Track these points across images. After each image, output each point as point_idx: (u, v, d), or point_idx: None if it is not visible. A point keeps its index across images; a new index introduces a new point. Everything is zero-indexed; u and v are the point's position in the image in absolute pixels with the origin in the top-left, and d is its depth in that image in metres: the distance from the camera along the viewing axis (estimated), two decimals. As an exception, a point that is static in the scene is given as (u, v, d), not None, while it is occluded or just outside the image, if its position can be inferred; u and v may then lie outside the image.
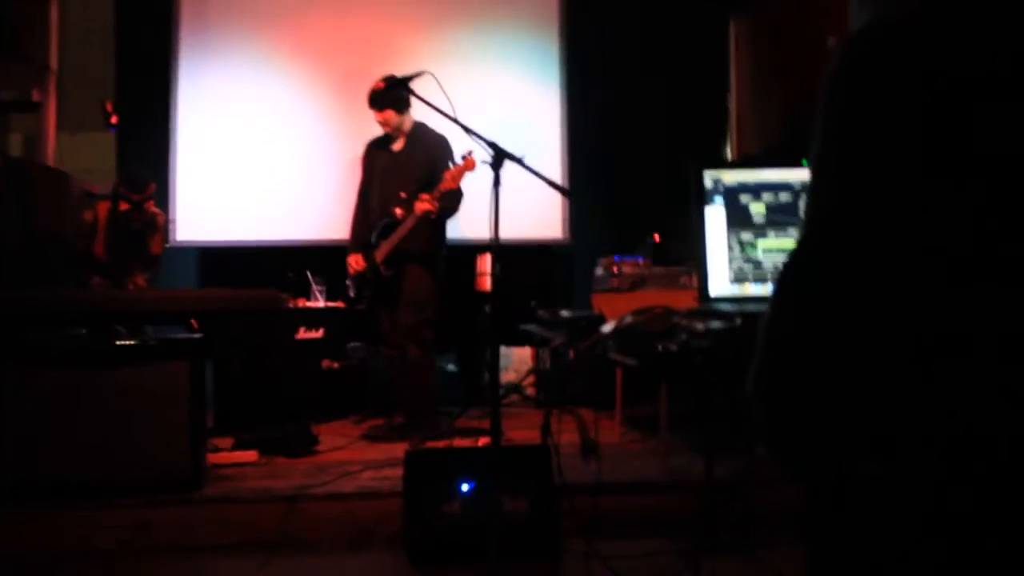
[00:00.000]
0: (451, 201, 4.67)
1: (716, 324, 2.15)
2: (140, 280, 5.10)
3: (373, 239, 4.79)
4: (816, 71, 5.07)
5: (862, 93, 0.90)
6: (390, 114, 4.80)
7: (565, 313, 4.02)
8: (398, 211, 4.69)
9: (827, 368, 0.88)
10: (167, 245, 5.86)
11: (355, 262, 4.85)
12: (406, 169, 4.78)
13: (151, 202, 5.11)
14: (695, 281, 2.62)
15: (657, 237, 5.32)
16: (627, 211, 6.31)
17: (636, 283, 4.80)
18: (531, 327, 4.79)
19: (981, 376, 0.80)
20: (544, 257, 6.40)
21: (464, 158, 4.51)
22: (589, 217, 6.44)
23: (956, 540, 0.78)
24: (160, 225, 5.28)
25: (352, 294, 4.90)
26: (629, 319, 2.43)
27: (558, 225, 6.49)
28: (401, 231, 4.65)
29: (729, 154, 6.80)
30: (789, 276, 0.94)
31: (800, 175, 2.47)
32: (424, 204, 4.56)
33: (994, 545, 0.76)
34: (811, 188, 0.95)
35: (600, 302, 4.95)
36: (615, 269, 5.03)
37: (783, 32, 6.18)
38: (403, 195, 4.70)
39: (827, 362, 0.88)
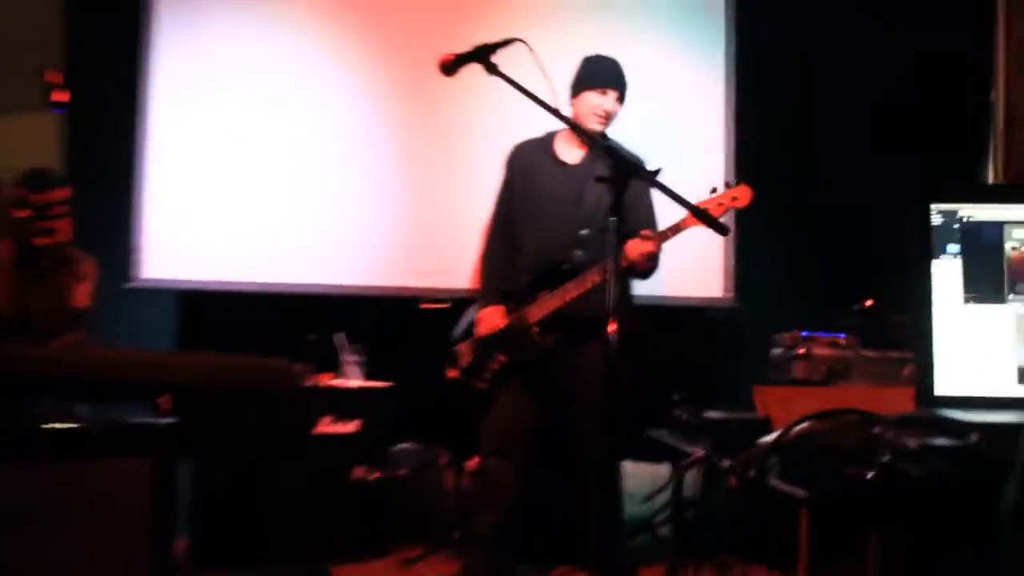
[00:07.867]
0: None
1: (939, 441, 1.63)
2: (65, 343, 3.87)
3: (525, 289, 3.47)
4: None
5: None
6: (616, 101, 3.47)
7: (712, 414, 2.95)
8: (574, 254, 3.39)
9: None
10: (131, 285, 4.59)
11: (489, 319, 3.50)
12: (589, 194, 3.42)
13: (65, 221, 3.82)
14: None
15: (870, 303, 4.04)
16: (824, 262, 4.77)
17: (834, 373, 3.61)
18: (661, 433, 3.55)
19: None
20: (694, 325, 4.82)
21: (731, 186, 3.15)
22: (765, 268, 4.82)
23: None
24: (83, 274, 3.94)
25: (463, 364, 3.55)
26: (802, 427, 1.83)
27: (717, 278, 4.77)
28: (583, 284, 3.30)
29: (991, 175, 4.63)
30: None
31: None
32: (645, 246, 3.17)
33: None
34: None
35: (770, 398, 3.51)
36: (801, 350, 3.71)
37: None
38: (584, 232, 3.40)
39: None
